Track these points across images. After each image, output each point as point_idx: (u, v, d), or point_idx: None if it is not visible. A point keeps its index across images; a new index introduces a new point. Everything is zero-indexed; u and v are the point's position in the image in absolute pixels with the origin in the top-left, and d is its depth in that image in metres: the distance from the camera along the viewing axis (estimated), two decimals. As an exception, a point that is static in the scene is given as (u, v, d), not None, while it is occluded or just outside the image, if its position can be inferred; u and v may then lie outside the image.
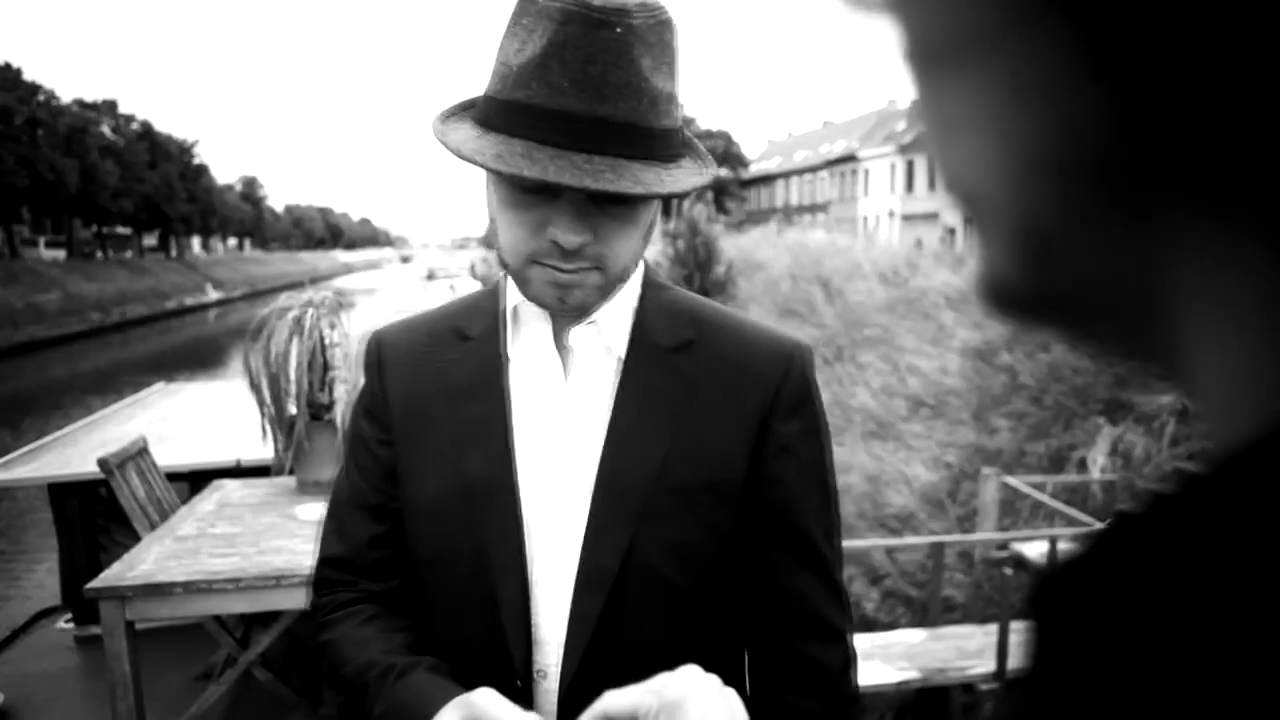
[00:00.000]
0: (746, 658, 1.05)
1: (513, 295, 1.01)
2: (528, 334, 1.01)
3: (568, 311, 0.95)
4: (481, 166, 0.85)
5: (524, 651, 0.96)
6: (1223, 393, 0.19)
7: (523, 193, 0.88)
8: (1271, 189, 0.16)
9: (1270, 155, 0.16)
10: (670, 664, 0.95)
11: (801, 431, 1.00)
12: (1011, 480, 6.37)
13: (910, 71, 0.22)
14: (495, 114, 0.87)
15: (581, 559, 0.96)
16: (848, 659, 1.02)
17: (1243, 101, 0.16)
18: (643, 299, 1.02)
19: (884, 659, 4.24)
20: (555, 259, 0.89)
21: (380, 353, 1.08)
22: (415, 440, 1.03)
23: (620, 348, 1.00)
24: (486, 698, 0.85)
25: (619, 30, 0.82)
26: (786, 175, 59.72)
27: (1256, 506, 0.16)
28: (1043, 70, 0.18)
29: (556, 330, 0.99)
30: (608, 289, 0.95)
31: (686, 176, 0.90)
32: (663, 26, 0.86)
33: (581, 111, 0.82)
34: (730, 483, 0.97)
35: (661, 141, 0.87)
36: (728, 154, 54.86)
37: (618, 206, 0.89)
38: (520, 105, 0.84)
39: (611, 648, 0.94)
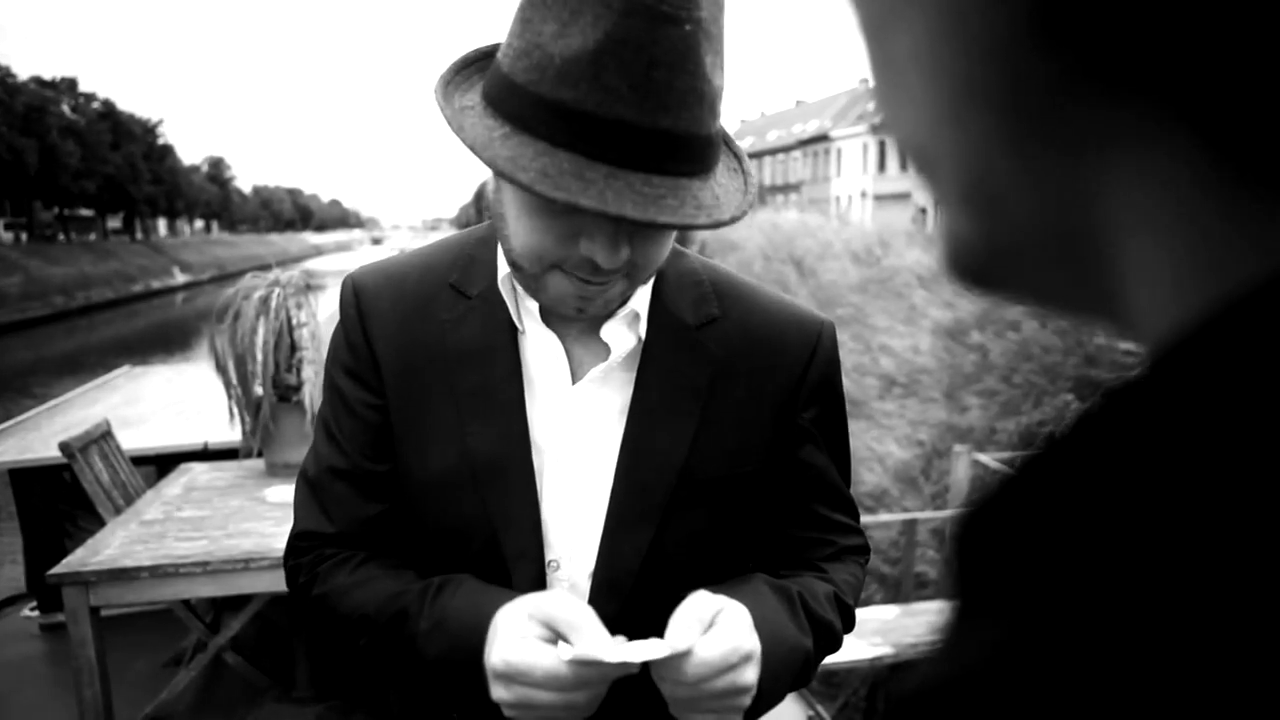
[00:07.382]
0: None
1: (502, 264, 0.92)
2: (526, 305, 0.93)
3: (582, 318, 0.88)
4: (524, 188, 0.71)
5: None
6: (1157, 327, 0.19)
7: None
8: (1201, 86, 0.16)
9: (1199, 49, 0.16)
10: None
11: (824, 415, 0.97)
12: (983, 457, 6.41)
13: (858, 21, 0.23)
14: (530, 111, 0.73)
15: (600, 557, 0.91)
16: (866, 553, 1.02)
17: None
18: (662, 270, 0.94)
19: (857, 634, 4.28)
20: (585, 271, 0.81)
21: (361, 303, 0.95)
22: (411, 406, 0.93)
23: (641, 325, 0.92)
24: (556, 597, 0.81)
25: (688, 27, 0.70)
26: (759, 155, 59.73)
27: (1149, 431, 0.16)
28: None
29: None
30: (630, 293, 0.88)
31: (732, 192, 0.80)
32: (719, 10, 0.74)
33: (642, 123, 0.70)
34: (754, 473, 0.94)
35: (713, 147, 0.78)
36: (701, 134, 54.51)
37: None
38: (566, 109, 0.71)
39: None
